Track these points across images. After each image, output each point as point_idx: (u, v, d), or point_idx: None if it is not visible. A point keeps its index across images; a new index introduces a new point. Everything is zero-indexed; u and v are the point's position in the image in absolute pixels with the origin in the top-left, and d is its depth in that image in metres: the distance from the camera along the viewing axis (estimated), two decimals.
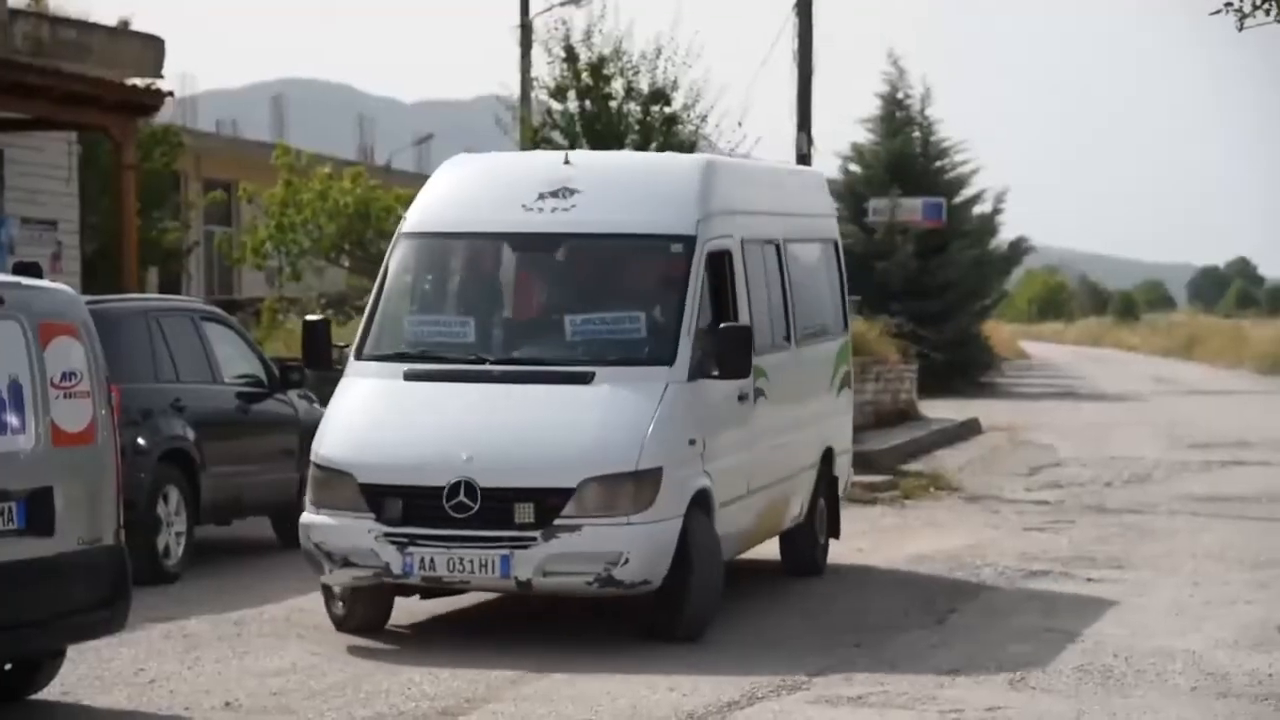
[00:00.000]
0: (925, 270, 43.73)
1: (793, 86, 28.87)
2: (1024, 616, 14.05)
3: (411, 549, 12.32)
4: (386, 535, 12.38)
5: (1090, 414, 37.07)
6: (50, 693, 11.01)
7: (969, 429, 31.55)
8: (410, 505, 12.39)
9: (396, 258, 13.82)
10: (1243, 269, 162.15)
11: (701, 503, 12.86)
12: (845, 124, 48.59)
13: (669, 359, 12.91)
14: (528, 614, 13.61)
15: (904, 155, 46.11)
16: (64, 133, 25.29)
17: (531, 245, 13.68)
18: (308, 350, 13.64)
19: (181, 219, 34.54)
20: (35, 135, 24.70)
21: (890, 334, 31.96)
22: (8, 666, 10.73)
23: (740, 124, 29.99)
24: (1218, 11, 16.67)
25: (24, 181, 24.92)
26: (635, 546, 12.25)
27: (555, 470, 12.31)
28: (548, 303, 13.64)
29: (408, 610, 13.37)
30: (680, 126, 29.60)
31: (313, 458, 12.91)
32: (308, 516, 12.78)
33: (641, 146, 28.47)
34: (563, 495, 12.25)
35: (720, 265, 13.62)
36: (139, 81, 25.19)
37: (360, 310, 27.95)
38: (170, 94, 25.82)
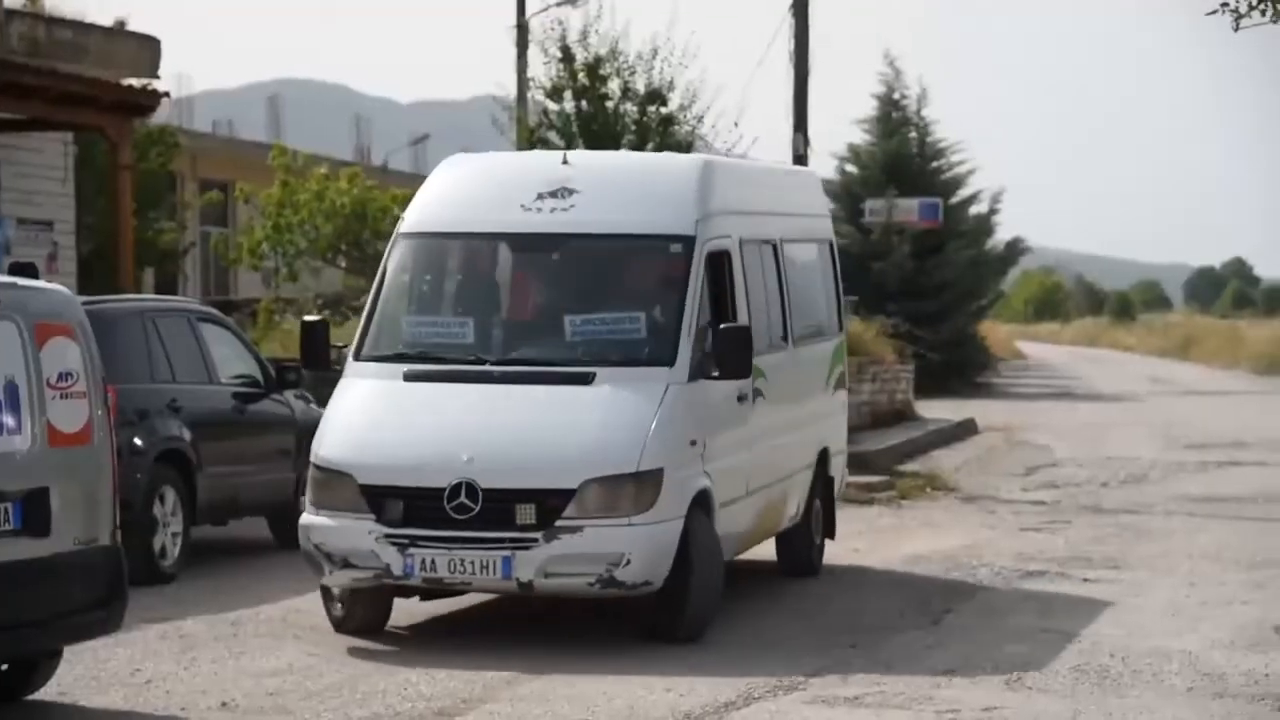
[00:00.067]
0: (922, 271, 43.74)
1: (789, 87, 28.88)
2: (1020, 617, 14.05)
3: (412, 550, 12.30)
4: (387, 536, 12.35)
5: (1086, 414, 37.08)
6: (46, 693, 11.00)
7: (965, 429, 31.55)
8: (411, 506, 12.35)
9: (395, 258, 13.80)
10: (1239, 269, 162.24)
11: (702, 503, 12.85)
12: (841, 124, 48.63)
13: (669, 360, 12.89)
14: (525, 615, 13.61)
15: (900, 156, 46.12)
16: (60, 133, 25.27)
17: (530, 245, 13.66)
18: (306, 351, 13.61)
19: (178, 219, 34.54)
20: (31, 136, 24.68)
21: (887, 334, 31.95)
22: (4, 667, 10.72)
23: (736, 124, 30.05)
24: (1214, 12, 16.63)
25: (20, 182, 24.90)
26: (637, 547, 12.23)
27: (557, 471, 12.29)
28: (547, 303, 13.62)
29: (405, 611, 13.36)
30: (676, 127, 29.61)
31: (312, 459, 12.87)
32: (307, 518, 12.75)
33: (638, 147, 28.47)
34: (564, 496, 12.22)
35: (719, 265, 13.61)
36: (135, 82, 25.17)
37: (356, 311, 28.01)
38: (166, 94, 25.80)
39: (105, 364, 10.98)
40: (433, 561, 12.27)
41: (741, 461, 13.69)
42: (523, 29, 35.27)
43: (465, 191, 14.03)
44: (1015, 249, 52.01)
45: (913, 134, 47.13)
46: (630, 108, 29.65)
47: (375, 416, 12.87)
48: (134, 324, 15.77)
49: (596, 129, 29.22)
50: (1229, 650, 12.66)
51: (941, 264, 44.65)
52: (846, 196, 45.14)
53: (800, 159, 28.04)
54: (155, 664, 11.91)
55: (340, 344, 15.88)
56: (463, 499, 12.24)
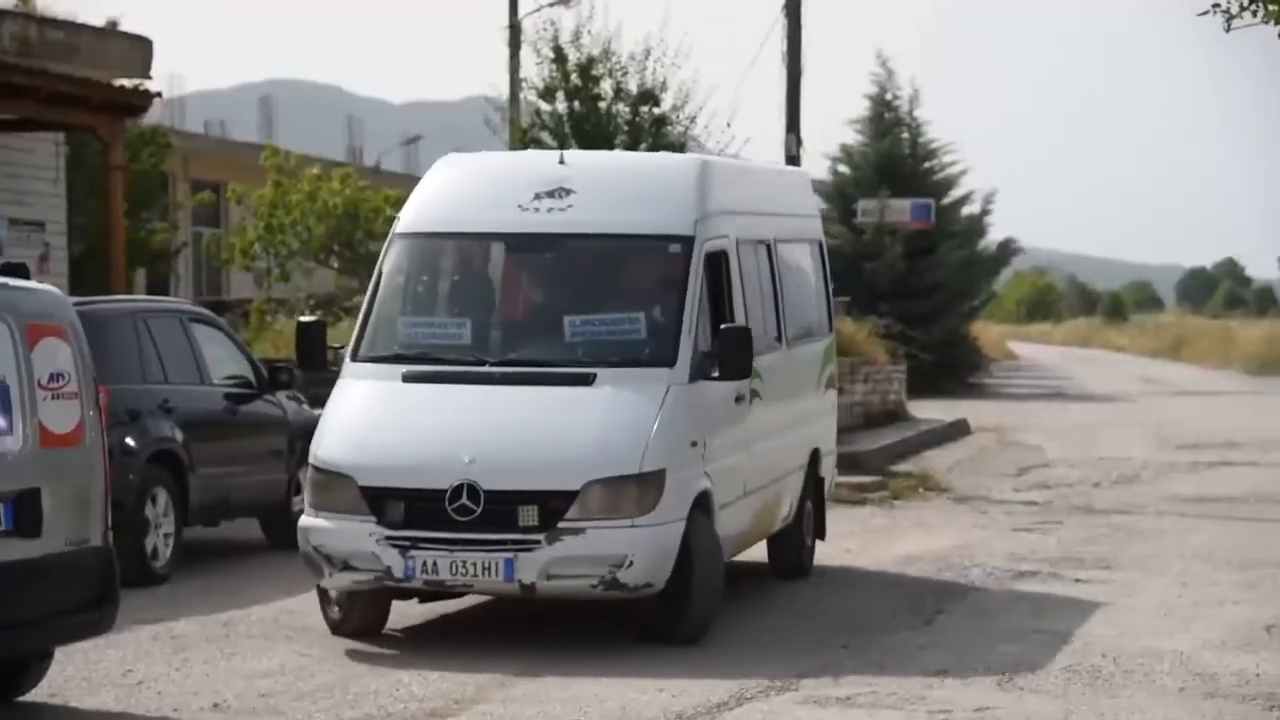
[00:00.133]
0: (914, 271, 43.78)
1: (781, 87, 28.85)
2: (1012, 617, 14.06)
3: (414, 552, 12.23)
4: (388, 538, 12.28)
5: (1078, 415, 37.11)
6: (38, 694, 10.99)
7: (957, 430, 31.57)
8: (412, 508, 12.29)
9: (391, 258, 13.73)
10: (1230, 270, 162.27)
11: (703, 505, 12.82)
12: (834, 125, 48.65)
13: (670, 360, 12.87)
14: (519, 617, 13.59)
15: (892, 156, 46.17)
16: (52, 133, 25.26)
17: (528, 245, 13.61)
18: (303, 351, 13.53)
19: (170, 220, 34.48)
20: (23, 136, 24.67)
21: (879, 335, 31.98)
22: None
23: (729, 125, 30.09)
24: (1205, 13, 16.63)
25: (11, 182, 24.88)
26: (639, 549, 12.20)
27: (559, 472, 12.24)
28: (545, 303, 13.57)
29: (400, 612, 13.33)
30: (669, 127, 29.62)
31: (311, 460, 12.81)
32: (306, 519, 12.68)
33: (631, 147, 28.47)
34: (566, 498, 12.18)
35: (717, 266, 13.59)
36: (127, 82, 25.15)
37: (349, 311, 28.03)
38: (158, 94, 25.80)
39: (97, 364, 10.97)
40: (434, 564, 12.22)
41: (739, 462, 13.67)
42: (515, 29, 35.27)
43: (461, 191, 13.97)
44: (1007, 249, 52.07)
45: (905, 135, 47.20)
46: (623, 108, 29.65)
47: (375, 418, 12.80)
48: (126, 324, 15.75)
49: (589, 129, 29.21)
50: (1220, 650, 12.67)
51: (933, 264, 44.70)
52: (839, 197, 45.20)
53: (793, 159, 28.01)
54: (147, 665, 11.90)
55: (337, 345, 15.86)
56: (464, 500, 12.19)
